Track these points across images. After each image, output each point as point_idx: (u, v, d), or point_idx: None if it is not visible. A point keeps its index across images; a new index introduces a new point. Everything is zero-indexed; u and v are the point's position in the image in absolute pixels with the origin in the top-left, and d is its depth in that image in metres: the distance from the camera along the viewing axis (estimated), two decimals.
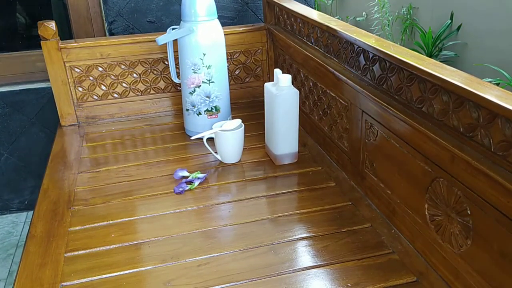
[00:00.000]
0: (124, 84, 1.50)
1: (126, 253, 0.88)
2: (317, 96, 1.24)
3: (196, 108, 1.33)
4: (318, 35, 1.21)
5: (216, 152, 1.20)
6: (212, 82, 1.30)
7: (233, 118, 1.39)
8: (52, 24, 1.36)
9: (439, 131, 0.76)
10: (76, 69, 1.45)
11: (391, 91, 0.90)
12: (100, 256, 0.88)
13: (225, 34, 1.34)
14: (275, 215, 0.98)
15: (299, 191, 1.08)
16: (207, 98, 1.31)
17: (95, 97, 1.49)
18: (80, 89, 1.47)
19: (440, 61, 0.84)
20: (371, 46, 0.93)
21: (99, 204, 1.05)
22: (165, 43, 1.35)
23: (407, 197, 0.87)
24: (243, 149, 1.22)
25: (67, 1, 1.67)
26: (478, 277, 0.70)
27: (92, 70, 1.46)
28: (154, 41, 1.36)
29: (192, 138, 1.26)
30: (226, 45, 1.37)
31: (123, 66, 1.48)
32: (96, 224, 0.97)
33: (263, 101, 1.20)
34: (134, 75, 1.50)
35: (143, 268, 0.84)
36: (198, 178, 1.11)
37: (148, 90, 1.53)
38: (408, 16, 3.11)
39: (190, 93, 1.32)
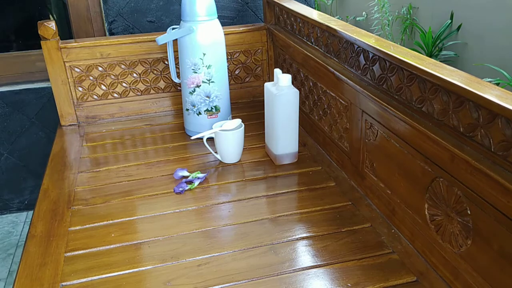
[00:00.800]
0: (124, 84, 1.50)
1: (126, 253, 0.88)
2: (317, 96, 1.24)
3: (196, 108, 1.33)
4: (318, 35, 1.21)
5: (216, 152, 1.20)
6: (212, 82, 1.30)
7: (233, 118, 1.39)
8: (52, 24, 1.36)
9: (439, 131, 0.76)
10: (76, 69, 1.45)
11: (391, 91, 0.90)
12: (100, 256, 0.88)
13: (225, 34, 1.34)
14: (275, 215, 0.98)
15: (299, 191, 1.08)
16: (207, 98, 1.31)
17: (95, 97, 1.49)
18: (80, 89, 1.47)
19: (440, 61, 0.84)
20: (371, 46, 0.93)
21: (99, 204, 1.05)
22: (165, 43, 1.35)
23: (407, 197, 0.87)
24: (243, 149, 1.22)
25: (67, 1, 1.67)
26: (478, 277, 0.70)
27: (92, 70, 1.46)
28: (154, 41, 1.36)
29: (192, 138, 1.26)
30: (226, 45, 1.37)
31: (123, 66, 1.48)
32: (96, 224, 0.97)
33: (263, 101, 1.20)
34: (134, 75, 1.50)
35: (143, 268, 0.84)
36: (198, 178, 1.11)
37: (148, 90, 1.53)
38: (408, 16, 3.11)
39: (190, 93, 1.32)
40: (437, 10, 2.89)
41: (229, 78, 1.43)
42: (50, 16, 2.35)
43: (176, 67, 1.42)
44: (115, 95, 1.51)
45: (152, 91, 1.54)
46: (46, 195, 1.08)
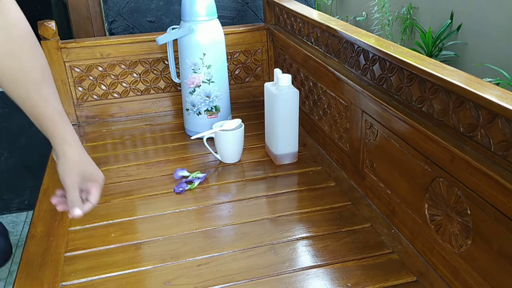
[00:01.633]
0: (124, 84, 1.50)
1: (126, 253, 0.88)
2: (317, 96, 1.24)
3: (196, 108, 1.33)
4: (318, 35, 1.21)
5: (216, 152, 1.20)
6: (212, 82, 1.30)
7: (233, 118, 1.39)
8: (52, 24, 1.36)
9: (439, 131, 0.76)
10: (76, 69, 1.45)
11: (391, 91, 0.90)
12: (100, 256, 0.88)
13: (225, 34, 1.34)
14: (275, 215, 0.98)
15: (299, 191, 1.08)
16: (207, 98, 1.31)
17: (95, 97, 1.49)
18: (80, 88, 1.47)
19: (440, 61, 0.84)
20: (371, 46, 0.93)
21: (99, 203, 1.04)
22: (165, 43, 1.35)
23: (407, 197, 0.87)
24: (243, 149, 1.22)
25: (67, 1, 1.67)
26: (478, 277, 0.70)
27: (92, 69, 1.46)
28: (154, 41, 1.36)
29: (192, 138, 1.26)
30: (226, 45, 1.37)
31: (123, 66, 1.48)
32: (96, 224, 0.97)
33: (263, 101, 1.20)
34: (134, 75, 1.50)
35: (143, 268, 0.84)
36: (198, 178, 1.11)
37: (148, 90, 1.53)
38: (408, 16, 3.11)
39: (190, 93, 1.32)
40: (437, 10, 2.89)
41: (229, 78, 1.43)
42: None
43: (176, 67, 1.42)
44: (115, 95, 1.51)
45: (152, 91, 1.54)
46: (46, 195, 1.08)
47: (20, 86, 0.75)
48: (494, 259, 0.66)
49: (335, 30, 1.08)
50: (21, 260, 0.87)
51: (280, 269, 0.83)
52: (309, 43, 1.29)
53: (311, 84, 1.27)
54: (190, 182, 1.10)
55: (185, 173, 1.13)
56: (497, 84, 2.10)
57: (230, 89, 1.40)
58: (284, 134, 1.15)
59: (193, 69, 1.29)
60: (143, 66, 1.50)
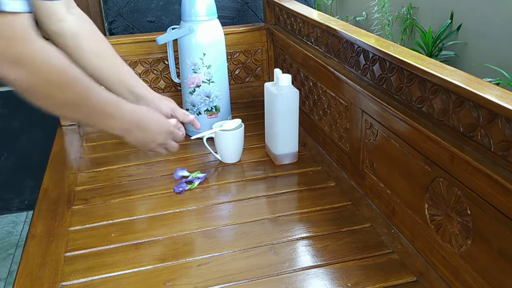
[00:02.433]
0: None
1: (126, 253, 0.88)
2: (317, 96, 1.24)
3: (196, 108, 1.33)
4: (318, 35, 1.21)
5: (216, 152, 1.20)
6: (212, 82, 1.30)
7: (233, 118, 1.39)
8: None
9: (439, 131, 0.76)
10: None
11: (391, 91, 0.90)
12: (100, 255, 0.88)
13: (225, 34, 1.34)
14: (275, 215, 0.98)
15: (299, 191, 1.08)
16: (207, 98, 1.31)
17: None
18: None
19: (440, 61, 0.84)
20: (371, 46, 0.93)
21: (99, 203, 1.05)
22: (165, 43, 1.35)
23: (407, 197, 0.87)
24: (243, 149, 1.22)
25: None
26: (478, 277, 0.70)
27: None
28: (154, 41, 1.35)
29: (192, 138, 1.26)
30: (226, 45, 1.37)
31: None
32: (96, 224, 0.97)
33: (263, 101, 1.20)
34: None
35: (143, 268, 0.84)
36: (198, 178, 1.11)
37: None
38: (408, 16, 3.11)
39: (190, 93, 1.32)
40: (437, 10, 2.90)
41: (229, 78, 1.43)
42: None
43: (176, 67, 1.42)
44: None
45: None
46: (46, 195, 1.08)
47: (113, 67, 1.05)
48: (494, 259, 0.66)
49: (335, 30, 1.08)
50: (21, 260, 0.87)
51: (280, 269, 0.83)
52: (309, 43, 1.29)
53: (311, 84, 1.27)
54: (190, 182, 1.10)
55: (185, 173, 1.13)
56: (497, 84, 2.10)
57: (230, 89, 1.40)
58: (284, 134, 1.15)
59: (193, 69, 1.29)
60: (143, 66, 1.50)
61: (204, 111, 1.33)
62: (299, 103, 1.15)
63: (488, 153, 0.66)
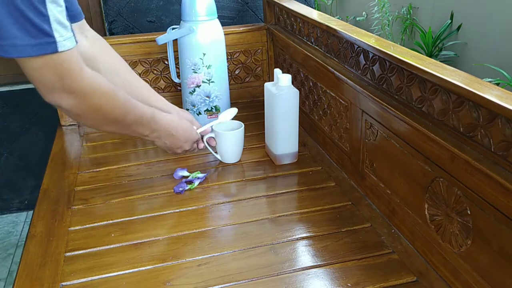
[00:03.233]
0: None
1: (126, 253, 0.88)
2: (317, 96, 1.24)
3: (196, 108, 1.33)
4: (318, 35, 1.21)
5: (216, 152, 1.20)
6: (212, 82, 1.30)
7: (233, 118, 1.39)
8: None
9: (439, 131, 0.76)
10: None
11: (391, 91, 0.90)
12: (100, 256, 0.88)
13: (225, 34, 1.34)
14: (275, 215, 0.98)
15: (299, 191, 1.08)
16: (207, 98, 1.31)
17: None
18: None
19: (440, 61, 0.84)
20: (371, 46, 0.93)
21: (99, 203, 1.05)
22: (165, 43, 1.35)
23: (407, 197, 0.87)
24: (243, 149, 1.22)
25: None
26: (478, 277, 0.70)
27: None
28: (154, 41, 1.36)
29: None
30: (226, 45, 1.37)
31: None
32: (96, 224, 0.97)
33: (263, 101, 1.20)
34: None
35: (143, 268, 0.84)
36: (198, 178, 1.11)
37: None
38: (408, 16, 3.11)
39: (190, 93, 1.32)
40: (437, 10, 2.90)
41: (229, 78, 1.43)
42: None
43: (176, 67, 1.42)
44: None
45: None
46: (46, 195, 1.08)
47: (131, 83, 1.09)
48: (494, 259, 0.66)
49: (335, 30, 1.08)
50: (21, 260, 0.87)
51: (280, 269, 0.83)
52: (309, 43, 1.29)
53: (311, 84, 1.27)
54: (190, 182, 1.10)
55: (185, 173, 1.13)
56: (497, 84, 2.10)
57: (230, 89, 1.40)
58: (284, 134, 1.15)
59: (193, 69, 1.29)
60: (143, 66, 1.50)
61: (204, 111, 1.33)
62: (299, 103, 1.15)
63: (488, 153, 0.66)
